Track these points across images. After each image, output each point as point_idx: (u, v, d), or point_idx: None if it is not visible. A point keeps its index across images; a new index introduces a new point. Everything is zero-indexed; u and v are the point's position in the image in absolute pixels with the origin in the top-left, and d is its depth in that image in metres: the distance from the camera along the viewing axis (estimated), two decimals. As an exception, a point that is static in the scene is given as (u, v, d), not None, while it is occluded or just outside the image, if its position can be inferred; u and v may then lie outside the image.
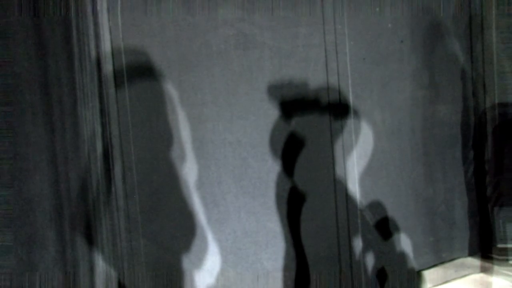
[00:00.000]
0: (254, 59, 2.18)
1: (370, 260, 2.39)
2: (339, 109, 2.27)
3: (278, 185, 2.23)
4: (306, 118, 2.23)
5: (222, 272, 2.18)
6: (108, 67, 2.00)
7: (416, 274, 2.51)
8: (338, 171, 2.28)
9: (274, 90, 2.18)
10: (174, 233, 2.11)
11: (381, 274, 2.41)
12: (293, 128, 2.21)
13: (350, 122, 2.29)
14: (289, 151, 2.22)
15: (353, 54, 2.30)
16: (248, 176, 2.19)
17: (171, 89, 2.09)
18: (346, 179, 2.28)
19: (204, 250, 2.16)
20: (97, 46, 1.97)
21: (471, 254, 2.72)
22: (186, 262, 2.13)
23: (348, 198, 2.30)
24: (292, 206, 2.25)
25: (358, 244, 2.34)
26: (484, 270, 2.64)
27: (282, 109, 2.19)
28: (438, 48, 2.57)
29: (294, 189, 2.24)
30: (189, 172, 2.12)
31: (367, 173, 2.35)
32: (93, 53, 1.97)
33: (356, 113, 2.30)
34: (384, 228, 2.43)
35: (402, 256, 2.48)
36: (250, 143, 2.19)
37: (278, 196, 2.23)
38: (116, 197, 2.02)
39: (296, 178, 2.23)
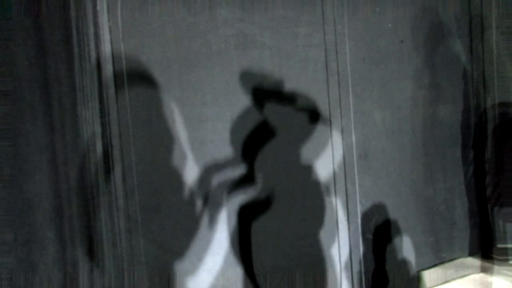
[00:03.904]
0: (254, 59, 2.18)
1: (370, 261, 2.39)
2: (310, 114, 2.25)
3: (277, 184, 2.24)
4: (283, 119, 2.21)
5: (222, 272, 2.18)
6: (108, 67, 2.00)
7: (416, 274, 2.51)
8: (337, 170, 2.28)
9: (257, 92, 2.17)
10: (174, 233, 2.11)
11: (381, 274, 2.41)
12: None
13: (321, 128, 2.26)
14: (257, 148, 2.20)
15: (353, 54, 2.30)
16: (248, 176, 2.20)
17: (171, 89, 2.09)
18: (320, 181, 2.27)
19: (204, 250, 2.16)
20: (97, 46, 1.97)
21: (471, 254, 2.72)
22: (186, 262, 2.14)
23: (334, 197, 2.30)
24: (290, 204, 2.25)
25: (358, 244, 2.34)
26: (484, 270, 2.64)
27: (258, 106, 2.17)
28: (439, 48, 2.57)
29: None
30: (189, 172, 2.12)
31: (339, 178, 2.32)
32: (93, 53, 1.97)
33: (326, 120, 2.27)
34: (384, 228, 2.43)
35: (402, 256, 2.48)
36: (250, 143, 2.19)
37: (277, 195, 2.23)
38: (116, 197, 2.02)
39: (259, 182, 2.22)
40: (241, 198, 2.19)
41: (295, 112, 2.22)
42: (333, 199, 2.30)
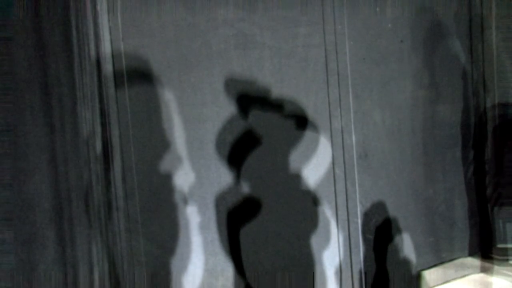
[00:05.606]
0: (254, 59, 2.18)
1: (370, 260, 2.39)
2: (298, 120, 2.24)
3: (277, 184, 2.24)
4: (269, 123, 2.21)
5: (222, 272, 2.18)
6: (108, 67, 2.00)
7: (416, 274, 2.51)
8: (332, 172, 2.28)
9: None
10: (174, 233, 2.11)
11: (381, 274, 2.41)
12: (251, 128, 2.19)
13: (308, 133, 2.26)
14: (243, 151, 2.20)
15: (353, 54, 2.30)
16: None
17: (171, 89, 2.09)
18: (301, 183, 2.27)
19: (204, 250, 2.16)
20: (97, 46, 1.97)
21: (471, 254, 2.72)
22: (186, 262, 2.14)
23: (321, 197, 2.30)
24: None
25: (358, 244, 2.34)
26: (484, 270, 2.64)
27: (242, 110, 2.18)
28: (438, 48, 2.57)
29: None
30: (189, 172, 2.12)
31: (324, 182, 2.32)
32: (93, 53, 1.97)
33: (314, 125, 2.27)
34: (384, 228, 2.43)
35: (402, 256, 2.48)
36: (250, 143, 2.19)
37: (277, 195, 2.23)
38: (116, 197, 2.02)
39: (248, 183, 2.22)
40: (239, 199, 2.19)
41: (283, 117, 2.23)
42: (332, 199, 2.30)
